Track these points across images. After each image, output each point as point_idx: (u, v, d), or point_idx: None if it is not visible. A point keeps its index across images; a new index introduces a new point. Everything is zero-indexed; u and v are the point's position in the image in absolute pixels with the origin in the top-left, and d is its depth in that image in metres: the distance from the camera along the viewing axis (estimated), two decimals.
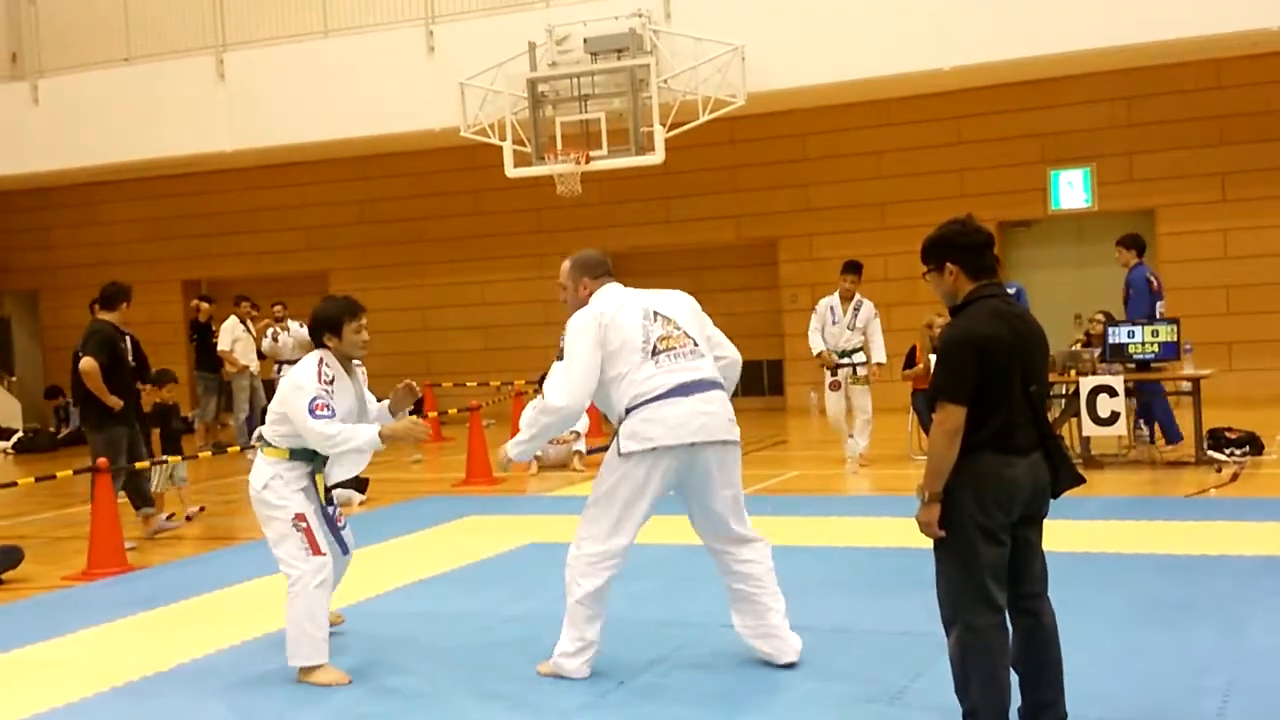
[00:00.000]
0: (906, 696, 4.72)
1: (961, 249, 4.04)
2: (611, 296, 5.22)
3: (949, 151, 15.60)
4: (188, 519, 9.92)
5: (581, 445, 11.98)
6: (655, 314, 5.15)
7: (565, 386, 5.01)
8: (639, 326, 5.08)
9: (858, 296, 11.13)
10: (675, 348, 5.08)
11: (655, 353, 5.04)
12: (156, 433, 9.90)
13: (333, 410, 5.25)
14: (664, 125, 13.69)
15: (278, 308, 15.37)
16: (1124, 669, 4.90)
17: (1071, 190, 15.13)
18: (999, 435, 3.90)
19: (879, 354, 11.02)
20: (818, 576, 6.80)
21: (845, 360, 11.05)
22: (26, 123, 17.54)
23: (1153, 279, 11.08)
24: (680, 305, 5.30)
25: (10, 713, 5.10)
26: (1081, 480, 4.14)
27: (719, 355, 5.27)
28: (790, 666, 5.10)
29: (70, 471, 9.07)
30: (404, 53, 15.64)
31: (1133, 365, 10.24)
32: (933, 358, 10.93)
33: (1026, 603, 4.06)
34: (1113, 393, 9.76)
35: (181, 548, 8.97)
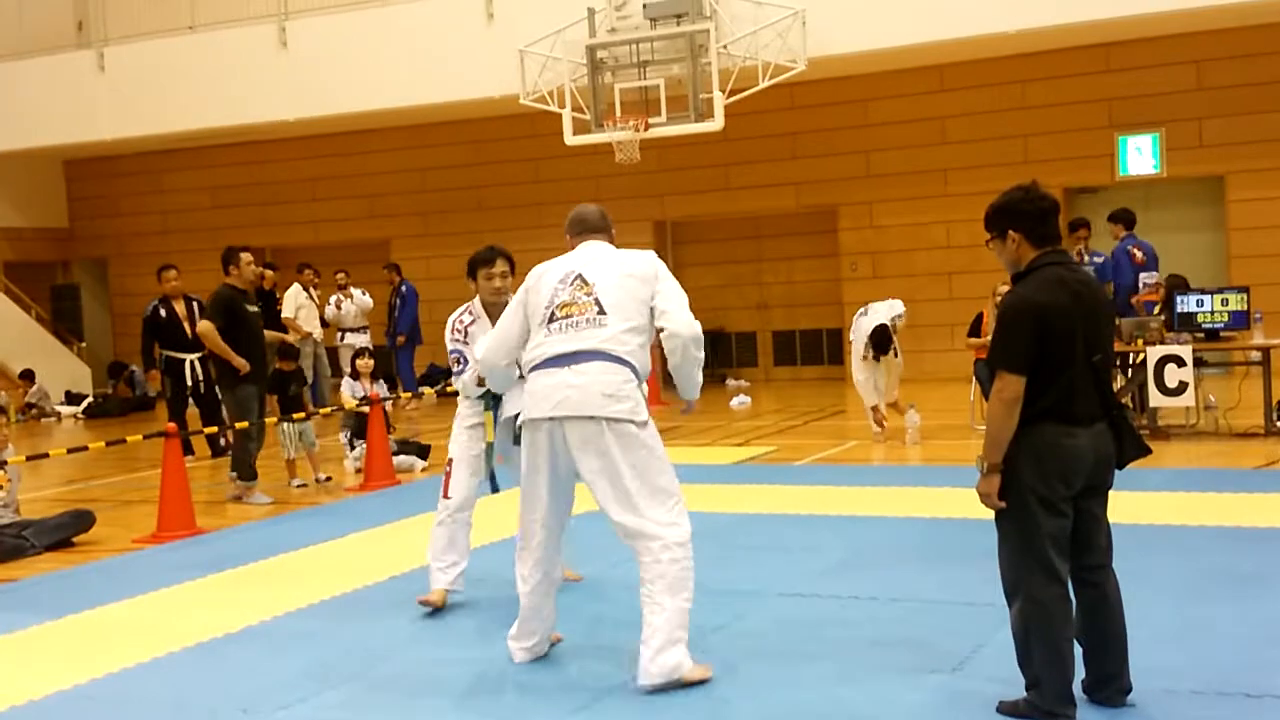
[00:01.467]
0: (968, 667, 4.70)
1: (1024, 215, 3.98)
2: (562, 258, 4.98)
3: (1013, 116, 15.37)
4: (318, 482, 10.05)
5: None
6: (576, 277, 4.82)
7: (483, 345, 5.24)
8: (551, 291, 4.81)
9: None
10: (573, 315, 4.73)
11: (552, 320, 4.76)
12: (275, 400, 10.02)
13: (465, 359, 5.75)
14: (723, 91, 13.60)
15: (340, 275, 15.52)
16: (1190, 642, 4.84)
17: (1140, 156, 14.86)
18: (1059, 405, 3.86)
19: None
20: (879, 546, 6.79)
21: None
22: (93, 91, 17.80)
23: (1136, 251, 11.59)
24: (613, 268, 4.83)
25: (85, 671, 5.23)
26: (1148, 451, 4.08)
27: (662, 327, 4.75)
28: (651, 691, 4.53)
29: (140, 436, 9.25)
30: (464, 20, 15.65)
31: (1201, 335, 10.07)
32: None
33: (1090, 574, 4.03)
34: (1181, 363, 9.61)
35: (251, 511, 9.12)
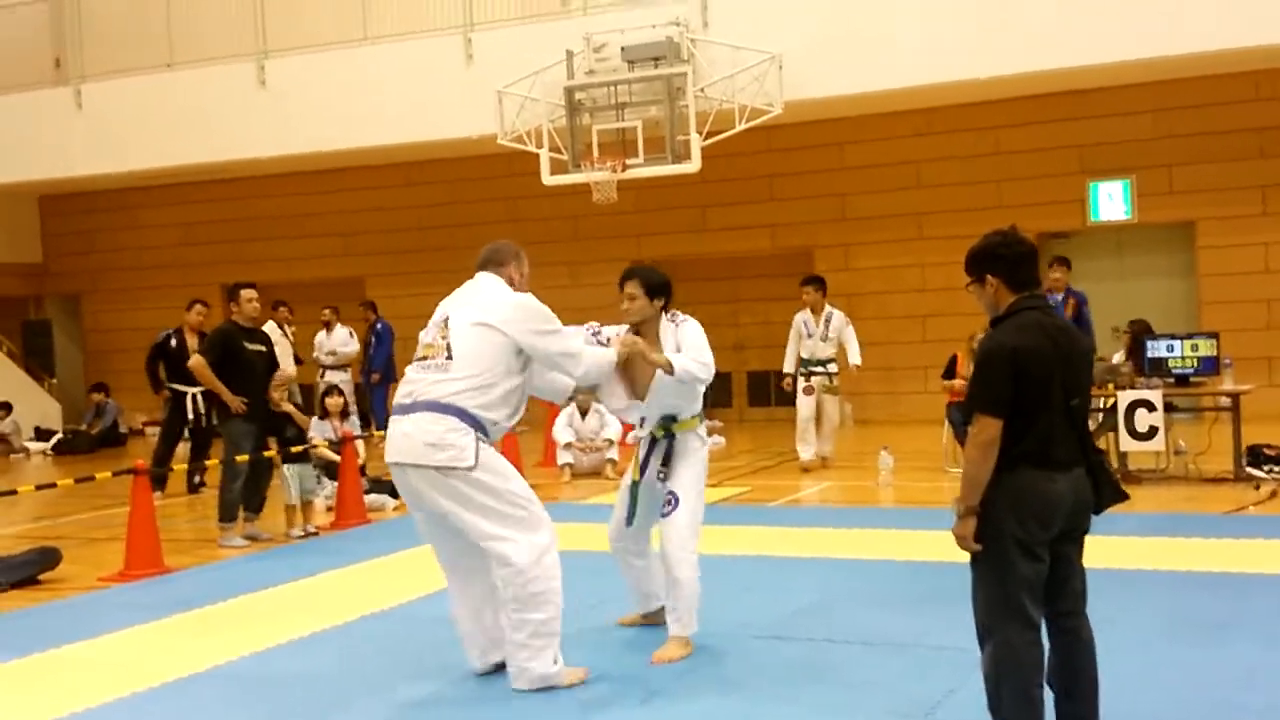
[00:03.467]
0: (940, 712, 4.68)
1: (1002, 260, 4.00)
2: (454, 293, 5.25)
3: (987, 162, 15.52)
4: (306, 533, 9.38)
5: (614, 454, 11.99)
6: (444, 318, 5.08)
7: None
8: (427, 329, 5.14)
9: (828, 308, 12.00)
10: (428, 358, 5.04)
11: (417, 360, 5.09)
12: (273, 441, 9.73)
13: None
14: (700, 133, 13.69)
15: (326, 312, 15.63)
16: (1161, 686, 4.85)
17: (1111, 202, 15.02)
18: (1038, 449, 3.85)
19: (855, 356, 11.87)
20: (850, 589, 6.78)
21: (820, 370, 11.91)
22: (70, 128, 17.75)
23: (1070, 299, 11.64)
24: (472, 313, 5.05)
25: (46, 711, 5.15)
26: (1125, 497, 4.08)
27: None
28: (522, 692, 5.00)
29: (109, 473, 9.17)
30: (442, 60, 15.72)
31: (1171, 380, 10.14)
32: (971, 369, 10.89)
33: (1064, 620, 4.02)
34: (1151, 407, 9.67)
35: (218, 551, 9.03)
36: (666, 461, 5.54)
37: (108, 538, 9.45)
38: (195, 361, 9.50)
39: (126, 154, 17.46)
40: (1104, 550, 7.04)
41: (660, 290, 5.55)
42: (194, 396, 11.47)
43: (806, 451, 11.88)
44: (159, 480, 11.98)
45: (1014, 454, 3.84)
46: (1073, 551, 4.02)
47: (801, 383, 11.90)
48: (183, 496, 11.90)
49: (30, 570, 8.00)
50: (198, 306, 12.20)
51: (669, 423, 5.58)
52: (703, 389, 5.61)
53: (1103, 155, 15.05)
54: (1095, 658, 4.07)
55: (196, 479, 12.14)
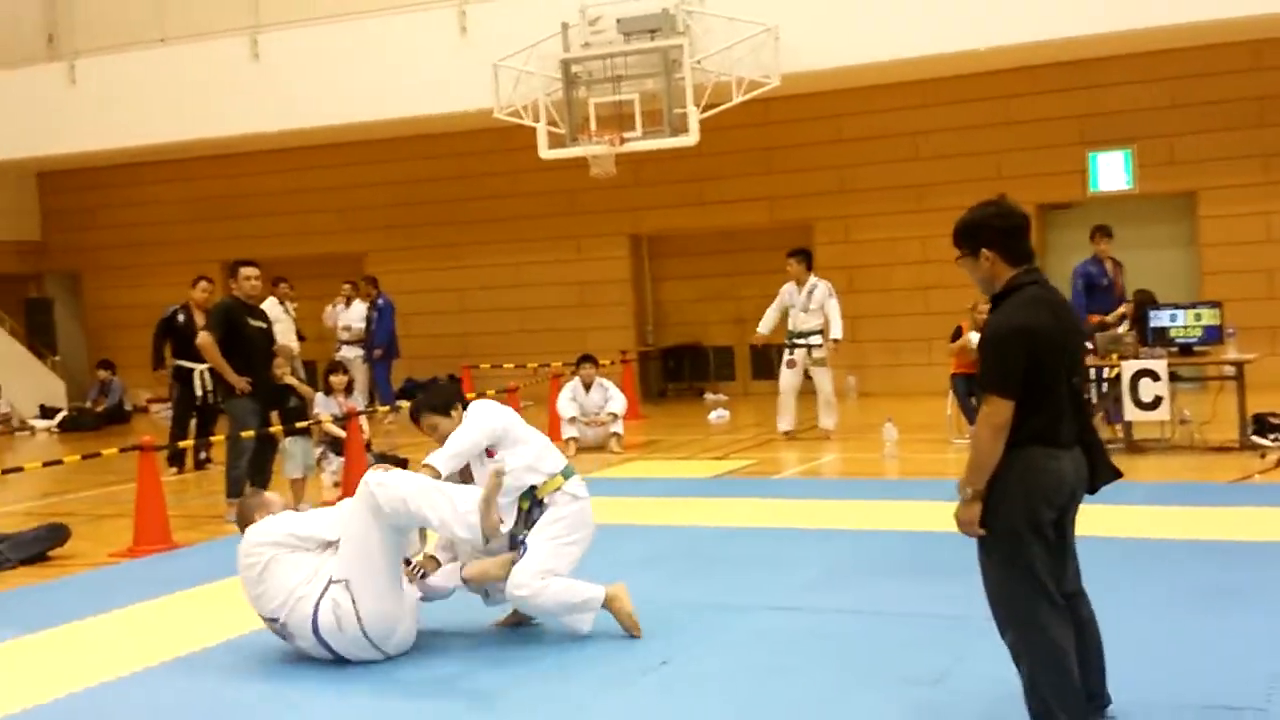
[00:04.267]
0: (949, 680, 4.71)
1: (998, 232, 3.87)
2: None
3: (987, 133, 15.47)
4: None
5: (619, 428, 12.00)
6: None
7: None
8: None
9: (812, 279, 12.16)
10: None
11: None
12: (276, 415, 9.68)
13: None
14: (698, 106, 13.63)
15: (346, 287, 15.84)
16: (1168, 656, 4.87)
17: (1111, 172, 14.98)
18: (1047, 428, 3.77)
19: (836, 330, 11.96)
20: (858, 560, 6.81)
21: (802, 341, 12.08)
22: (64, 103, 17.66)
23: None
24: None
25: (57, 688, 5.18)
26: (1119, 475, 4.02)
27: None
28: None
29: (116, 450, 9.18)
30: (437, 33, 15.62)
31: (1175, 349, 10.16)
32: (973, 336, 10.90)
33: (1066, 599, 3.95)
34: (1155, 377, 9.69)
35: (226, 526, 9.05)
36: (529, 524, 5.52)
37: (116, 514, 9.48)
38: (204, 339, 9.46)
39: (121, 129, 17.36)
40: (1110, 520, 7.08)
41: (447, 406, 5.66)
42: (201, 373, 11.47)
43: (784, 422, 12.18)
44: (177, 458, 12.01)
45: (1024, 434, 3.74)
46: (1069, 530, 3.97)
47: (786, 354, 12.18)
48: (191, 473, 11.93)
49: (39, 547, 8.04)
50: (203, 283, 12.17)
51: (530, 492, 5.55)
52: (534, 454, 5.60)
53: (1103, 126, 15.00)
54: (1098, 630, 4.05)
55: (203, 455, 12.17)
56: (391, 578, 5.27)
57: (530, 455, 5.57)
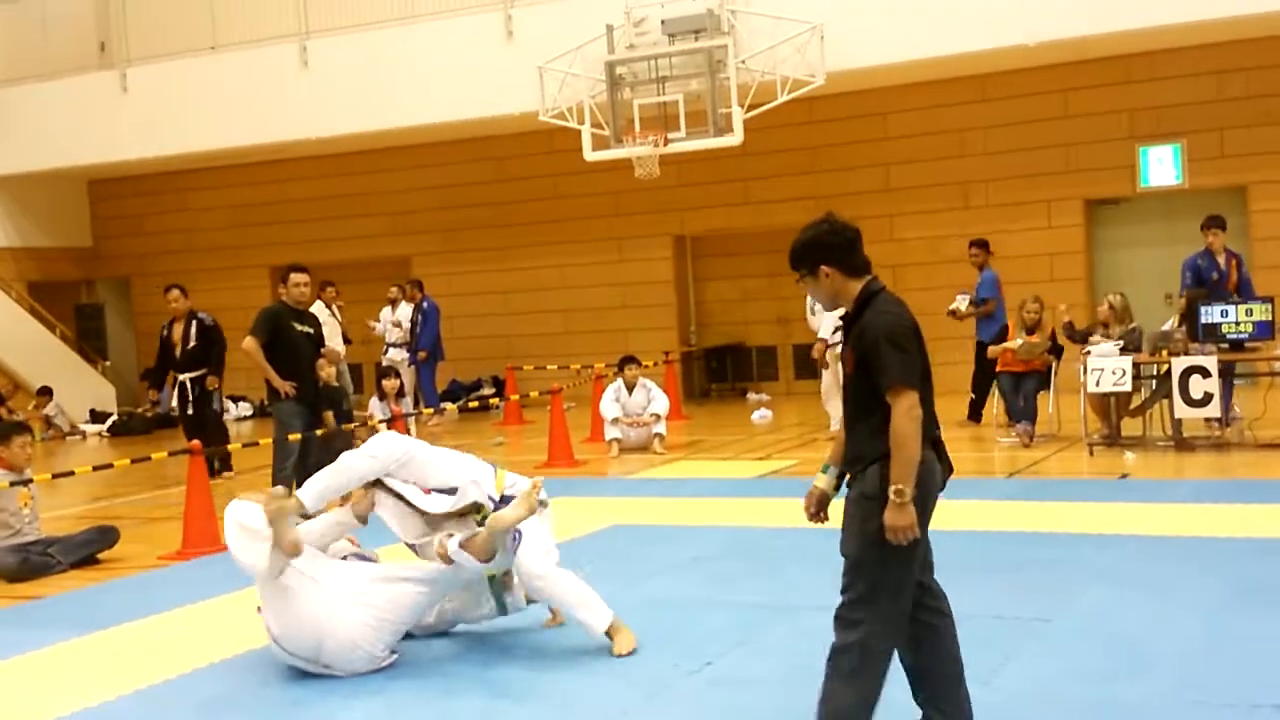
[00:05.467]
0: (998, 679, 4.67)
1: (835, 249, 3.91)
2: None
3: (1034, 128, 15.32)
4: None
5: (661, 428, 11.99)
6: None
7: None
8: None
9: None
10: None
11: None
12: (329, 415, 9.79)
13: None
14: (742, 106, 13.60)
15: (393, 290, 15.89)
16: (1222, 654, 4.80)
17: (1161, 167, 14.78)
18: (929, 427, 3.84)
19: (824, 331, 11.94)
20: None
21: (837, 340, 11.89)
22: (116, 112, 17.93)
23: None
24: None
25: (111, 688, 5.24)
26: (951, 470, 4.03)
27: None
28: None
29: (165, 453, 9.29)
30: (483, 38, 15.71)
31: (1226, 345, 10.01)
32: (1020, 339, 10.83)
33: (927, 596, 4.06)
34: (1206, 373, 9.55)
35: None
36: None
37: (165, 517, 9.59)
38: (248, 343, 9.53)
39: (172, 137, 17.61)
40: (1161, 518, 7.00)
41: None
42: (181, 383, 11.57)
43: (836, 423, 11.97)
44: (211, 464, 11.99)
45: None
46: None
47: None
48: (241, 475, 12.01)
49: (90, 549, 8.14)
50: (174, 292, 11.97)
51: (478, 507, 5.41)
52: (468, 466, 5.52)
53: (1152, 120, 14.81)
54: (954, 623, 4.07)
55: (216, 464, 11.93)
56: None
57: (468, 469, 5.47)
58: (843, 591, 3.88)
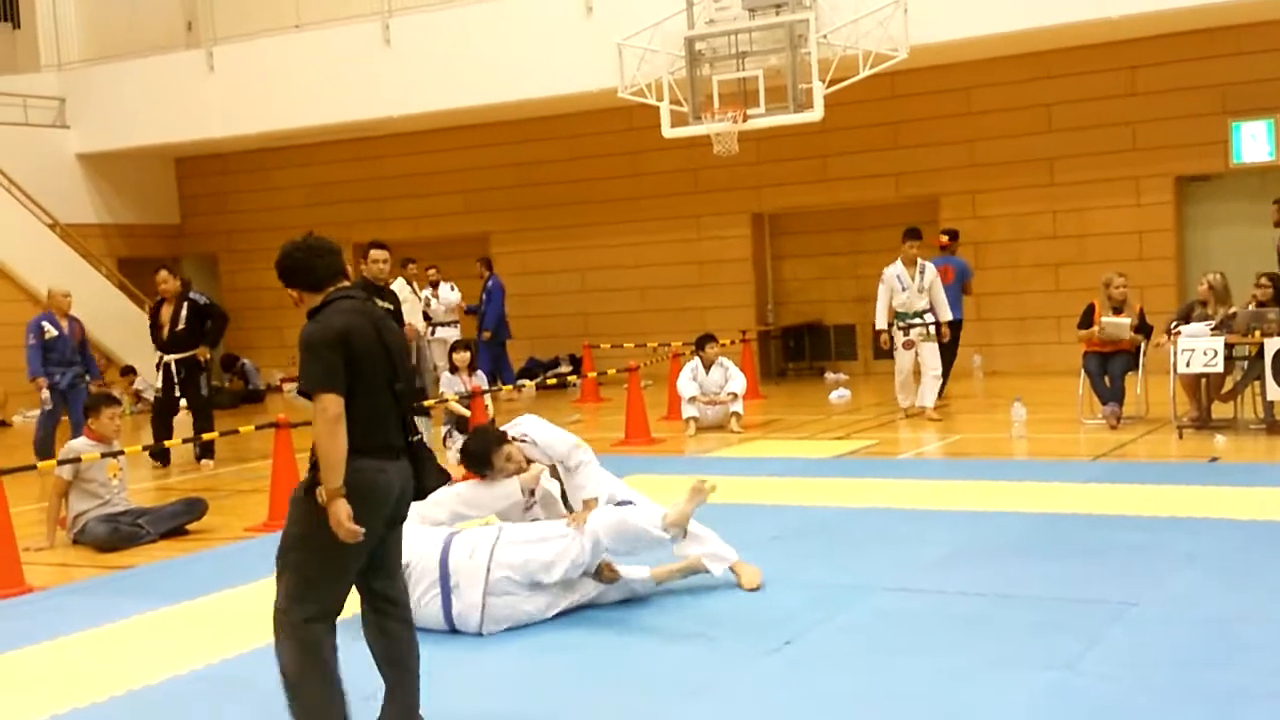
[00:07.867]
0: (1082, 664, 4.60)
1: (290, 273, 4.08)
2: None
3: (1121, 103, 15.00)
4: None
5: (739, 406, 11.96)
6: None
7: None
8: None
9: (920, 260, 12.26)
10: None
11: None
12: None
13: None
14: (823, 81, 13.45)
15: (431, 271, 15.79)
16: None
17: (1254, 143, 14.39)
18: (369, 434, 3.90)
19: (945, 313, 12.12)
20: (985, 541, 6.68)
21: (918, 320, 12.12)
22: (203, 90, 18.25)
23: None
24: None
25: (200, 656, 5.36)
26: (449, 478, 4.15)
27: None
28: None
29: (252, 427, 9.45)
30: (563, 14, 15.73)
31: None
32: (1107, 319, 10.61)
33: (388, 604, 4.20)
34: None
35: None
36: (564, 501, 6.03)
37: (252, 490, 9.77)
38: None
39: (257, 115, 17.89)
40: (1253, 502, 6.84)
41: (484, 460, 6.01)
42: (166, 365, 11.60)
43: (905, 400, 12.35)
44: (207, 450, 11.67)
45: (353, 438, 3.85)
46: (399, 536, 4.15)
47: (901, 337, 12.17)
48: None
49: (178, 521, 8.31)
50: (162, 273, 12.01)
51: None
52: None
53: (1246, 94, 14.41)
54: (413, 625, 4.23)
55: (196, 450, 11.67)
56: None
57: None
58: None
